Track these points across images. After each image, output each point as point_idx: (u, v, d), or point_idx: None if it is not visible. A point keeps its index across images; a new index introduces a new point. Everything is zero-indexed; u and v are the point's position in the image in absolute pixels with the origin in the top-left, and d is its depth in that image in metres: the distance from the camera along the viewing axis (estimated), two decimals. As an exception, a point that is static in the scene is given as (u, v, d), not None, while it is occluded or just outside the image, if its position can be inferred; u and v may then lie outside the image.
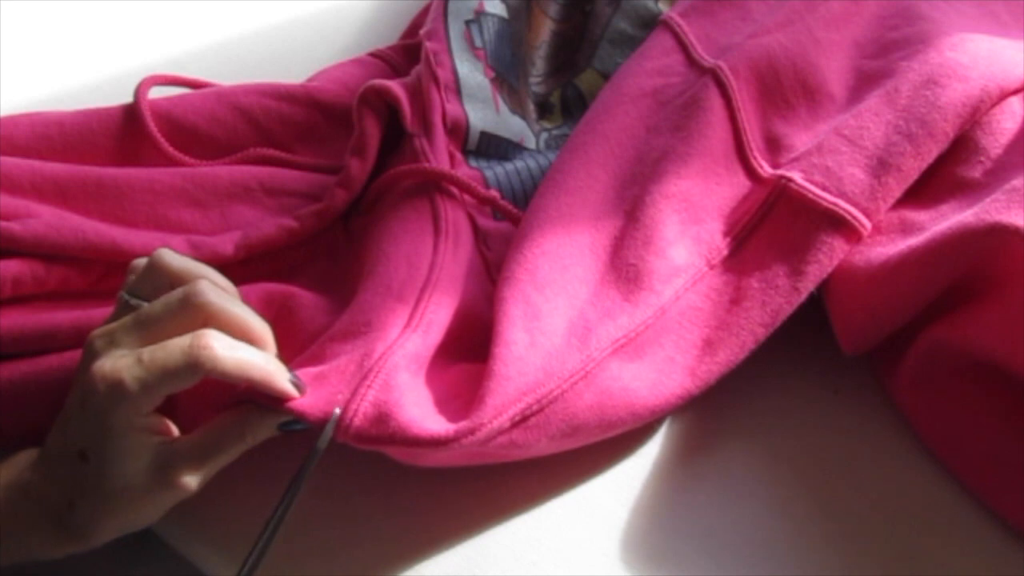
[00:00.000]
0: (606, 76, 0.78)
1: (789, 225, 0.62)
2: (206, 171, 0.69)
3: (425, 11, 0.80)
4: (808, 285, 0.61)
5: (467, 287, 0.63)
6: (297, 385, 0.54)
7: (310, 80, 0.78)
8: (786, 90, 0.68)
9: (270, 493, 0.54)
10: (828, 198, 0.62)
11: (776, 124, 0.67)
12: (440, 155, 0.68)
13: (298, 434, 0.55)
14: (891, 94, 0.65)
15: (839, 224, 0.61)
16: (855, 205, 0.62)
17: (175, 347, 0.51)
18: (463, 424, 0.54)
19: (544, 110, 0.80)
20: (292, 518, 0.53)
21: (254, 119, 0.72)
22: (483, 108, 0.73)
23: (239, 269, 0.65)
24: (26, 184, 0.65)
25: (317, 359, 0.58)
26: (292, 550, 0.56)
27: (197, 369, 0.50)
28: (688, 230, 0.63)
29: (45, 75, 0.82)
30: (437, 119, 0.69)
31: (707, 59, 0.70)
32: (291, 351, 0.59)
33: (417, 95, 0.70)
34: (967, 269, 0.58)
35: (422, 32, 0.74)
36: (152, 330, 0.52)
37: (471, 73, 0.73)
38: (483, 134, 0.72)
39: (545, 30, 0.81)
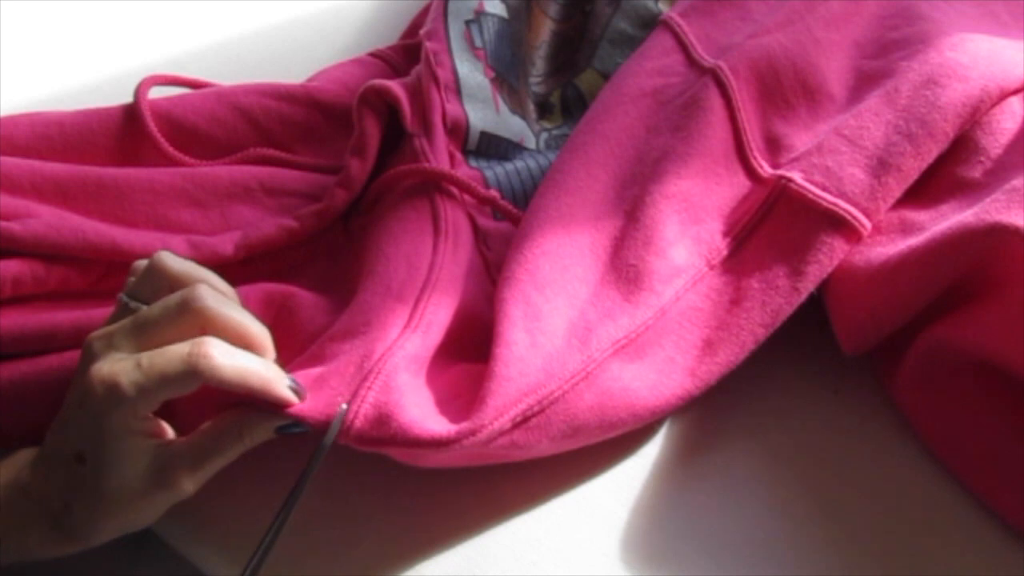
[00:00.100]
0: (606, 76, 0.78)
1: (789, 225, 0.62)
2: (206, 171, 0.69)
3: (425, 11, 0.80)
4: (808, 285, 0.61)
5: (467, 287, 0.63)
6: (296, 391, 0.54)
7: (310, 80, 0.78)
8: (786, 90, 0.68)
9: (270, 493, 0.54)
10: (828, 198, 0.62)
11: (776, 124, 0.67)
12: (440, 155, 0.68)
13: (298, 434, 0.55)
14: (891, 94, 0.65)
15: (839, 224, 0.61)
16: (855, 205, 0.62)
17: (174, 354, 0.50)
18: (464, 425, 0.54)
19: (544, 110, 0.80)
20: (292, 518, 0.53)
21: (254, 119, 0.72)
22: (483, 108, 0.73)
23: (239, 269, 0.65)
24: (26, 184, 0.65)
25: (317, 359, 0.58)
26: (292, 550, 0.56)
27: (196, 377, 0.50)
28: (688, 230, 0.63)
29: (45, 75, 0.82)
30: (437, 119, 0.69)
31: (707, 59, 0.70)
32: (291, 351, 0.59)
33: (417, 95, 0.70)
34: (967, 269, 0.58)
35: (422, 32, 0.74)
36: (150, 334, 0.52)
37: (471, 73, 0.73)
38: (483, 134, 0.72)
39: (545, 30, 0.81)
